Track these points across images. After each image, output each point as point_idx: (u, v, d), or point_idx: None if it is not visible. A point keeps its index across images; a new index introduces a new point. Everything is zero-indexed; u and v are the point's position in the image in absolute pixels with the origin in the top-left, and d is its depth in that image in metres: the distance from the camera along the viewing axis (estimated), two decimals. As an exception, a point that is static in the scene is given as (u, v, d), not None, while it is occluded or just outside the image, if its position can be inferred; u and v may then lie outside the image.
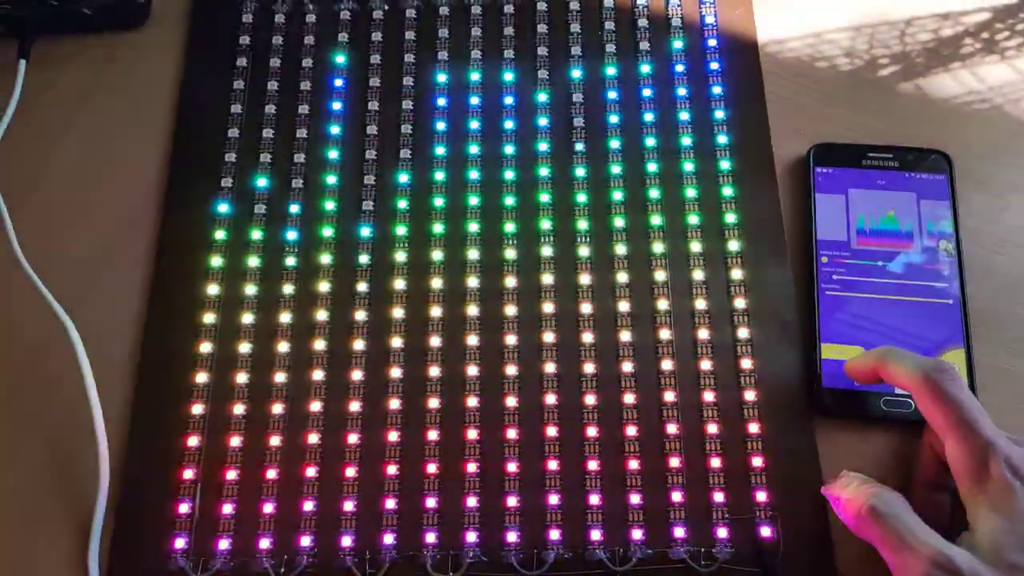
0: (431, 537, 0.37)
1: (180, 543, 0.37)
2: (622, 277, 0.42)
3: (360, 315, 0.41)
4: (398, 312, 0.41)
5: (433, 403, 0.40)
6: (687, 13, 0.47)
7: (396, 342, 0.41)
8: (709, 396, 0.40)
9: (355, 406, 0.39)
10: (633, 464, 0.38)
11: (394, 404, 0.40)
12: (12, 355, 0.41)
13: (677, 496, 0.38)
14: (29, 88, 0.45)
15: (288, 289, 0.42)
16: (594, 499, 0.38)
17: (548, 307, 0.41)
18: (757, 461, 0.38)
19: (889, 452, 0.39)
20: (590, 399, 0.40)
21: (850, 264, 0.42)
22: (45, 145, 0.45)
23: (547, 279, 0.42)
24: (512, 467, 0.38)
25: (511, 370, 0.40)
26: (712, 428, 0.39)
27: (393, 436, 0.39)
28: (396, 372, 0.40)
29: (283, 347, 0.41)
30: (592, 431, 0.39)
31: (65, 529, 0.38)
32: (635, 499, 0.38)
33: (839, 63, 0.47)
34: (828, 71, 0.47)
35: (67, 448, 0.39)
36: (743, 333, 0.41)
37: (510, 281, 0.42)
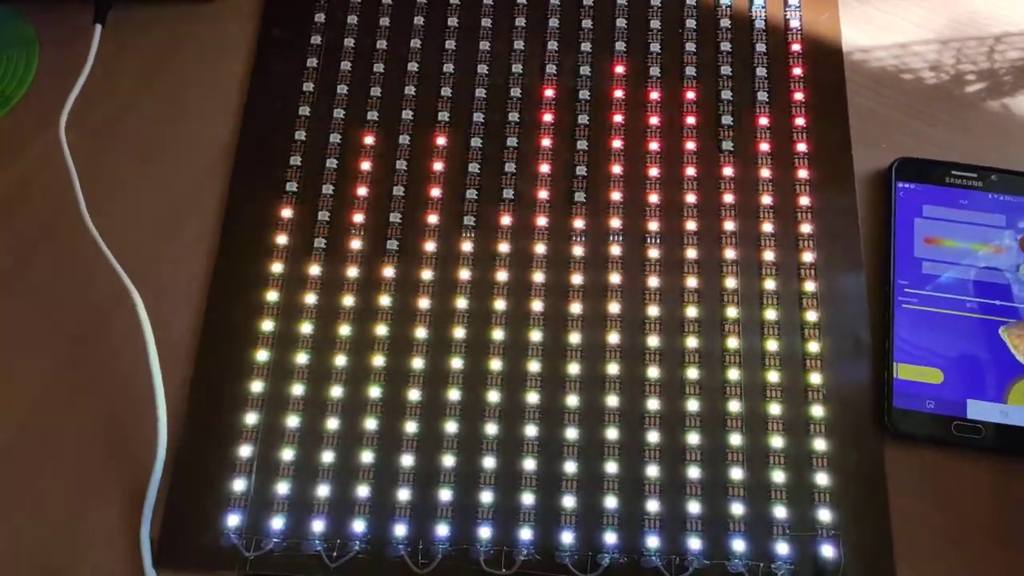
0: (485, 532, 0.37)
1: (234, 520, 0.37)
2: (691, 282, 0.41)
3: (423, 303, 0.41)
4: (461, 303, 0.41)
5: (493, 397, 0.39)
6: (771, 16, 0.46)
7: (458, 332, 0.40)
8: (775, 409, 0.39)
9: (414, 395, 0.39)
10: (694, 473, 0.38)
11: (454, 395, 0.39)
12: (75, 321, 0.41)
13: (738, 508, 0.37)
14: (103, 55, 0.45)
15: (352, 272, 0.41)
16: (652, 505, 0.37)
17: (614, 308, 0.41)
18: (822, 478, 0.37)
19: (957, 478, 0.38)
20: (653, 404, 0.39)
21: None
22: (117, 113, 0.45)
23: (614, 279, 0.41)
24: (570, 467, 0.38)
25: (573, 369, 0.40)
26: (777, 442, 0.38)
27: (451, 427, 0.38)
28: (457, 363, 0.40)
29: (344, 330, 0.40)
30: (653, 437, 0.38)
31: (118, 500, 0.38)
32: (694, 508, 0.37)
33: (924, 76, 0.46)
34: (912, 84, 0.46)
35: (124, 418, 0.39)
36: (813, 347, 0.40)
37: (576, 279, 0.41)
